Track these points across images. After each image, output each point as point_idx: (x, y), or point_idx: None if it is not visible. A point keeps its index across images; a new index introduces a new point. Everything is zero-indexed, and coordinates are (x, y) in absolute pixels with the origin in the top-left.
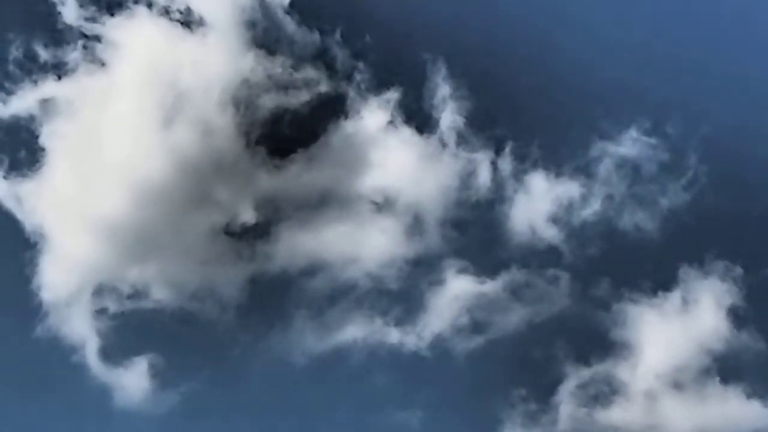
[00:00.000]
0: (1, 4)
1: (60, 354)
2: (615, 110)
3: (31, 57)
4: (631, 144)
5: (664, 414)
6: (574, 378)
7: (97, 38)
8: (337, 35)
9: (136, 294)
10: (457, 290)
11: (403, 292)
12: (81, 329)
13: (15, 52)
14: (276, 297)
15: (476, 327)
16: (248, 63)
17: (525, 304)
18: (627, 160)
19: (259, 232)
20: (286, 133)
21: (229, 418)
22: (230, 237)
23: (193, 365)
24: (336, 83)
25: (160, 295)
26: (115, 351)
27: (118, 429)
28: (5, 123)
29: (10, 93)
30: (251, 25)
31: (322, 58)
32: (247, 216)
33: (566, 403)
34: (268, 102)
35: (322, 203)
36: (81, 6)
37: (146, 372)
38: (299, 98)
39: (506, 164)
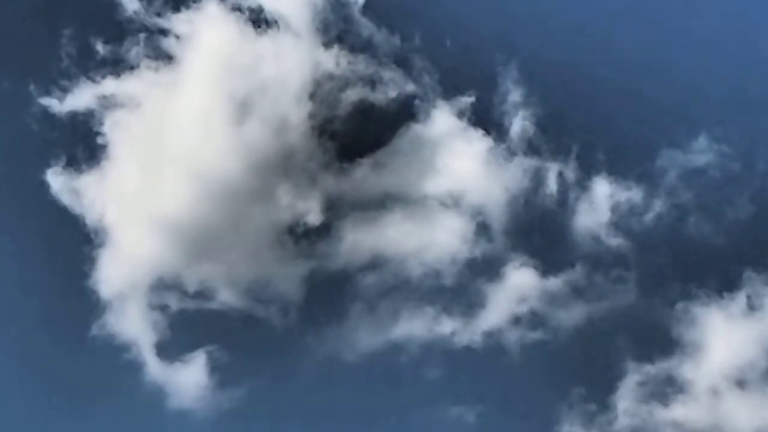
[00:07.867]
0: None
1: (117, 350)
2: (685, 118)
3: (89, 52)
4: (698, 153)
5: (726, 413)
6: (635, 375)
7: (163, 32)
8: (417, 39)
9: (197, 292)
10: (517, 285)
11: (461, 287)
12: (140, 326)
13: (70, 47)
14: (336, 294)
15: (536, 322)
16: (324, 60)
17: (587, 300)
18: (694, 169)
19: (323, 231)
20: (358, 134)
21: (287, 417)
22: (294, 237)
23: (252, 364)
24: (408, 86)
25: (221, 293)
26: (174, 349)
27: (175, 427)
28: (63, 119)
29: (66, 90)
30: (326, 25)
31: (397, 61)
32: (313, 217)
33: (627, 400)
34: (341, 103)
35: (389, 205)
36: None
37: (204, 370)
38: (371, 101)
39: (573, 171)
